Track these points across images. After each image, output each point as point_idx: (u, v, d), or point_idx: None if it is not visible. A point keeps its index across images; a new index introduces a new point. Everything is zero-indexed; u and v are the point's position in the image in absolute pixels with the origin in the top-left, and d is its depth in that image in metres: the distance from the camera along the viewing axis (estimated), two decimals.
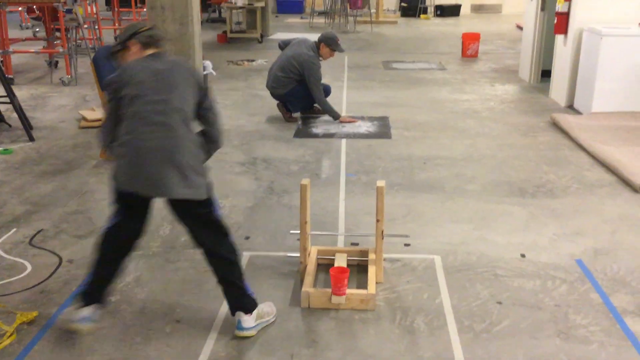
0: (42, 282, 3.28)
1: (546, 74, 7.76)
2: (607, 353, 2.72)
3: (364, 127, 6.11)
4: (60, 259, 3.52)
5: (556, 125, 6.11)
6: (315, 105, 6.54)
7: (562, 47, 6.98)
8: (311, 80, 6.07)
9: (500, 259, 3.53)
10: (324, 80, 6.56)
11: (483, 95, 7.46)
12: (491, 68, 9.23)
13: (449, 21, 15.40)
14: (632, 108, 6.29)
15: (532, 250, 3.63)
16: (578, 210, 4.18)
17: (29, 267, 3.43)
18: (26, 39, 9.78)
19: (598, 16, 6.55)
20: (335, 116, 6.19)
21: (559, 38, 7.07)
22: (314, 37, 6.31)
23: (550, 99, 7.25)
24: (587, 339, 2.82)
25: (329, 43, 6.11)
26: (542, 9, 7.74)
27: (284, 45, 6.44)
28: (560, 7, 6.84)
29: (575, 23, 6.68)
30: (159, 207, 4.19)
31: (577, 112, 6.57)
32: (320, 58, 6.18)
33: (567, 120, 6.03)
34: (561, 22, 6.85)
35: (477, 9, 17.30)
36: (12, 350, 2.73)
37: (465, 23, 14.83)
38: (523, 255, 3.56)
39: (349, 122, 6.17)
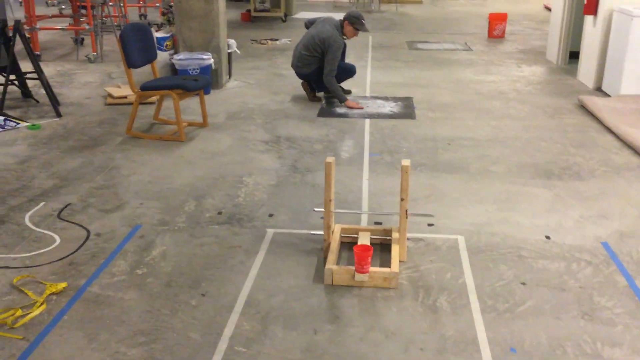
0: (70, 254, 3.34)
1: (574, 56, 7.64)
2: (631, 335, 2.70)
3: (388, 107, 6.08)
4: (88, 232, 3.58)
5: (583, 108, 6.03)
6: (340, 85, 6.52)
7: (592, 28, 6.86)
8: (328, 57, 6.01)
9: (525, 240, 3.51)
10: (349, 60, 6.54)
11: (509, 77, 7.37)
12: (518, 49, 9.10)
13: (475, 1, 15.18)
14: None
15: (557, 232, 3.61)
16: (604, 193, 4.13)
17: (58, 240, 3.50)
18: (52, 16, 9.86)
19: None
20: (342, 99, 6.10)
21: (588, 19, 6.94)
22: (339, 16, 6.27)
23: (577, 80, 7.14)
24: (612, 320, 2.80)
25: (353, 21, 6.05)
26: None
27: (309, 24, 6.41)
28: None
29: (605, 3, 6.55)
30: (185, 183, 4.26)
31: (605, 95, 6.46)
32: (344, 37, 6.13)
33: (595, 103, 5.94)
34: (591, 3, 6.72)
35: None
36: (41, 320, 2.79)
37: (492, 3, 14.62)
38: (548, 237, 3.54)
39: (355, 107, 6.09)
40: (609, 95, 6.39)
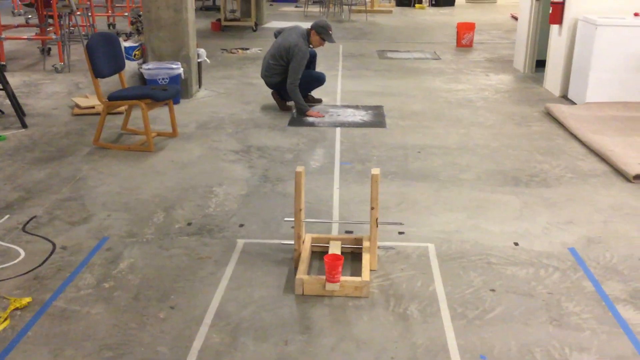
0: (35, 268, 3.27)
1: (541, 64, 7.78)
2: (599, 340, 2.74)
3: (359, 116, 6.10)
4: (54, 245, 3.51)
5: (550, 115, 6.13)
6: (310, 94, 6.53)
7: (557, 37, 6.99)
8: (291, 66, 5.98)
9: (494, 247, 3.54)
10: (319, 68, 6.55)
11: (477, 85, 7.47)
12: (486, 58, 9.22)
13: (444, 11, 15.38)
14: (625, 98, 6.31)
15: (526, 238, 3.65)
16: (571, 200, 4.19)
17: (23, 254, 3.42)
18: (19, 26, 9.70)
19: (593, 6, 6.56)
20: (304, 109, 6.11)
21: (554, 28, 7.07)
22: (308, 25, 6.28)
23: (544, 89, 7.26)
24: (580, 326, 2.83)
25: (320, 32, 6.04)
26: None
27: (278, 33, 6.40)
28: None
29: (570, 13, 6.68)
30: (154, 194, 4.20)
31: (571, 102, 6.58)
32: (311, 46, 6.14)
33: (561, 110, 6.04)
34: (556, 12, 6.85)
35: None
36: (5, 336, 2.72)
37: (460, 13, 14.82)
38: (516, 244, 3.58)
39: (316, 116, 6.08)
40: (574, 103, 6.51)
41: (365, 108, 6.38)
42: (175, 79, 6.32)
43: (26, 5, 11.70)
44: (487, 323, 2.84)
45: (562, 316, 2.90)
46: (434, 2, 16.31)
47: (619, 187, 4.42)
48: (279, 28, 6.46)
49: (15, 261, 3.34)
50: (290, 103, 6.38)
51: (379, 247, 3.43)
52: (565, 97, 6.81)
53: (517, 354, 2.64)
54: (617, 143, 5.10)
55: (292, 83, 6.00)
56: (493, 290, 3.11)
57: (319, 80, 6.43)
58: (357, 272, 3.24)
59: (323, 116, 6.06)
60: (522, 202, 4.14)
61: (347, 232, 3.72)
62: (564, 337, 2.75)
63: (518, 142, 5.35)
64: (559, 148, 5.22)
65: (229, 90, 7.11)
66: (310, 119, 5.96)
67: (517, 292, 3.09)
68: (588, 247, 3.56)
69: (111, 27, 11.43)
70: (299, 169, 3.21)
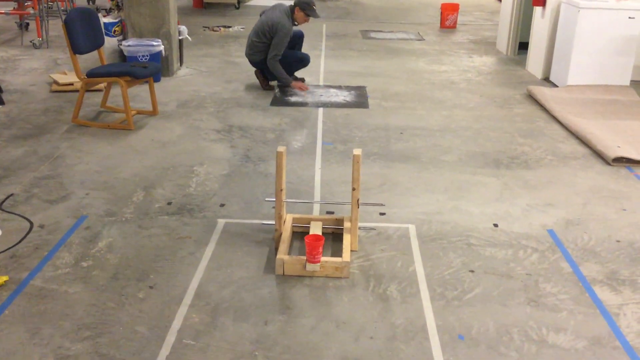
0: (12, 246, 3.23)
1: (523, 46, 7.78)
2: (575, 320, 2.77)
3: (342, 96, 6.07)
4: (31, 223, 3.47)
5: (532, 98, 6.15)
6: (294, 74, 6.47)
7: (540, 20, 6.99)
8: (274, 41, 5.95)
9: (474, 228, 3.56)
10: (303, 49, 6.50)
11: (460, 67, 7.46)
12: (469, 39, 9.21)
13: None
14: (606, 81, 6.34)
15: (505, 220, 3.67)
16: (551, 182, 4.22)
17: None
18: None
19: None
20: (287, 82, 6.10)
21: (537, 10, 7.07)
22: (291, 3, 6.20)
23: (526, 71, 7.28)
24: (557, 306, 2.87)
25: (304, 7, 5.99)
26: None
27: (262, 14, 6.33)
28: None
29: None
30: (133, 173, 4.16)
31: (553, 85, 6.61)
32: (295, 23, 6.08)
33: (543, 93, 6.07)
34: None
35: None
36: None
37: None
38: (496, 225, 3.60)
39: (300, 88, 6.10)
40: (556, 86, 6.53)
41: (348, 88, 6.35)
42: (155, 56, 6.23)
43: None
44: (466, 303, 2.87)
45: (539, 297, 2.93)
46: None
47: (598, 169, 4.46)
48: (266, 7, 6.38)
49: None
50: (273, 82, 6.33)
51: (359, 228, 3.43)
52: (547, 80, 6.83)
53: (495, 334, 2.66)
54: (597, 126, 5.13)
55: (273, 57, 5.98)
56: (472, 271, 3.13)
57: (303, 61, 6.37)
58: (337, 252, 3.24)
59: (307, 88, 6.07)
60: (503, 184, 4.16)
61: (328, 212, 3.71)
62: (541, 318, 2.78)
63: (500, 124, 5.37)
64: (540, 130, 5.24)
65: (211, 69, 7.03)
66: (293, 99, 5.92)
67: (495, 273, 3.12)
68: (566, 229, 3.59)
69: (90, 3, 11.22)
70: (281, 149, 3.19)
